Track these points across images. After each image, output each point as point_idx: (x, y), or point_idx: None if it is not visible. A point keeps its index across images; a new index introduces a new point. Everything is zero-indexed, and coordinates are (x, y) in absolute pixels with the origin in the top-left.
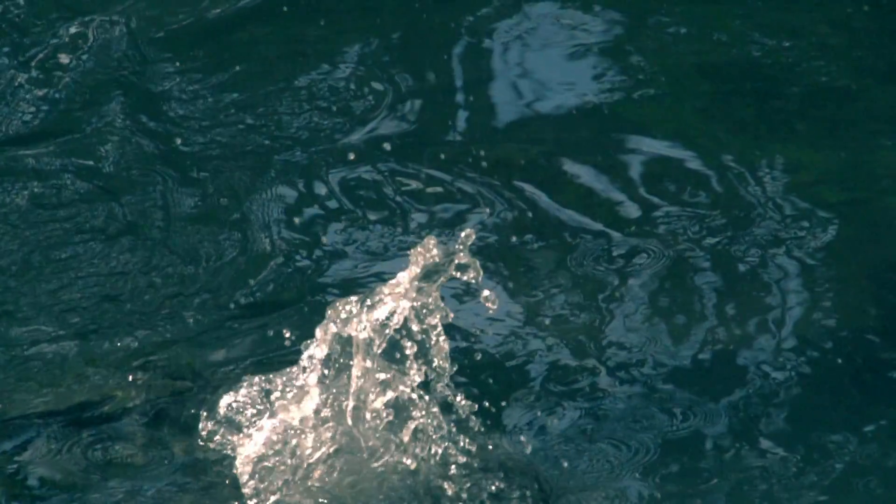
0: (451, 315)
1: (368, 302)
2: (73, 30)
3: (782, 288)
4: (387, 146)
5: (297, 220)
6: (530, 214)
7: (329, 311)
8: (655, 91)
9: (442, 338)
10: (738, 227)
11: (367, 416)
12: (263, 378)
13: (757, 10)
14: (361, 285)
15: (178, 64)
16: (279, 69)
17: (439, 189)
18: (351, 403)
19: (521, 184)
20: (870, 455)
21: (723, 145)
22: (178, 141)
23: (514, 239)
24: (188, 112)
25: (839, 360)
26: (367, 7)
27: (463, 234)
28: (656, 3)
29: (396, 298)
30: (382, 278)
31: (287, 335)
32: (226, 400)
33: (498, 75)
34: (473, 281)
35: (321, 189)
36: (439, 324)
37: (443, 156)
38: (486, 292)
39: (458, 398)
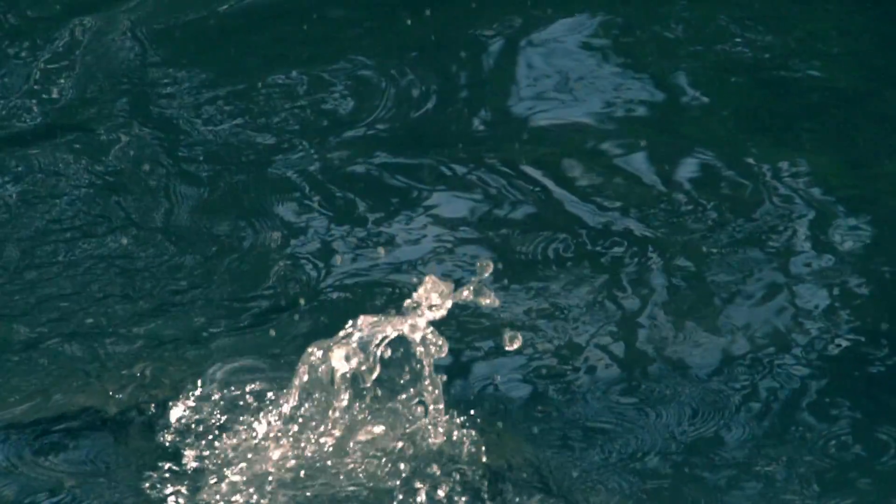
0: (446, 349)
1: (357, 334)
2: (75, 28)
3: (789, 289)
4: (392, 146)
5: (299, 219)
6: (537, 213)
7: (311, 348)
8: (662, 92)
9: (433, 371)
10: (745, 226)
11: (354, 442)
12: (255, 387)
13: (762, 10)
14: (364, 285)
15: (181, 62)
16: (282, 68)
17: (445, 189)
18: (336, 434)
19: (527, 183)
20: (873, 453)
21: (732, 146)
22: (180, 139)
23: (519, 237)
24: (191, 110)
25: (845, 361)
26: (373, 6)
27: (478, 267)
28: (665, 3)
29: (388, 330)
30: (385, 278)
31: (287, 338)
32: (214, 407)
33: (504, 75)
34: (491, 306)
35: (324, 188)
36: (433, 358)
37: (449, 155)
38: (508, 333)
39: (456, 420)
